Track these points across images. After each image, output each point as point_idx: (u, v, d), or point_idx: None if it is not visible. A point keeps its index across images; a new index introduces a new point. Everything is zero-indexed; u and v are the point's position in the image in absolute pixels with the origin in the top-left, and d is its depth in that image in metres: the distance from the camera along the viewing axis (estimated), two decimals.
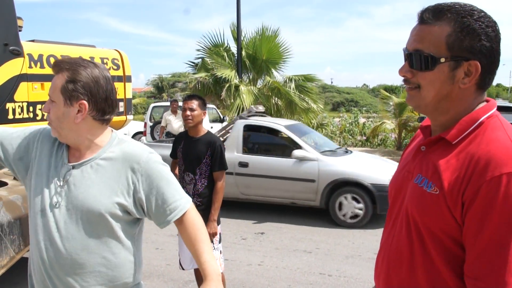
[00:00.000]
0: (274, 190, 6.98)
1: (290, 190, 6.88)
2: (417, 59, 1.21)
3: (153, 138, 12.74)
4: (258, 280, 4.64)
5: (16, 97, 4.01)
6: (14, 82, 3.97)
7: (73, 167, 1.58)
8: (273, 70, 11.95)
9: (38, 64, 4.25)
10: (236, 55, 11.81)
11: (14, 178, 4.04)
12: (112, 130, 1.69)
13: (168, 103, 12.36)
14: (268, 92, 11.45)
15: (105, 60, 5.10)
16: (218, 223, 3.68)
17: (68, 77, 1.53)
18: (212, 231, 3.54)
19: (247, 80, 12.07)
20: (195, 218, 1.67)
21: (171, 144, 4.03)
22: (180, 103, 10.82)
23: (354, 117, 18.51)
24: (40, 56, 4.30)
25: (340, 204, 6.62)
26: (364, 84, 75.18)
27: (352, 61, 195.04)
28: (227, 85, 10.88)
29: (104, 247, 1.56)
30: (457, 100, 1.22)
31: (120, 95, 5.29)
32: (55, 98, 1.54)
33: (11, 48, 3.90)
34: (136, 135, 14.97)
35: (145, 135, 13.83)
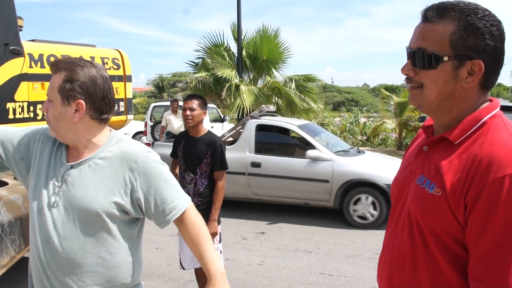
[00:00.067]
0: (287, 190, 6.91)
1: (304, 190, 6.82)
2: (420, 58, 1.20)
3: (153, 137, 12.73)
4: (259, 280, 4.63)
5: (17, 96, 4.01)
6: (15, 82, 3.97)
7: (72, 167, 1.58)
8: (274, 70, 11.94)
9: (39, 63, 4.25)
10: (236, 54, 11.80)
11: (15, 178, 4.04)
12: (110, 130, 1.69)
13: (168, 103, 12.35)
14: (268, 91, 11.44)
15: (105, 60, 5.10)
16: (218, 222, 3.68)
17: (66, 77, 1.53)
18: (212, 231, 3.54)
19: (248, 79, 12.06)
20: (195, 217, 1.66)
21: None
22: (181, 103, 10.83)
23: (354, 116, 18.50)
24: (41, 55, 4.30)
25: (354, 205, 6.56)
26: (365, 84, 75.14)
27: (353, 60, 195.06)
28: (228, 84, 10.87)
29: (101, 247, 1.56)
30: (460, 99, 1.20)
31: (120, 95, 5.29)
32: (53, 98, 1.55)
33: (11, 47, 3.89)
34: (137, 135, 14.98)
35: (145, 134, 13.84)
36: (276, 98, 11.43)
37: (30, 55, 4.18)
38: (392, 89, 41.76)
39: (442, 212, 1.15)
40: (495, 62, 1.18)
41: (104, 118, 1.62)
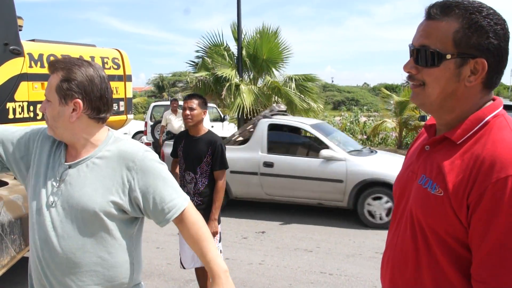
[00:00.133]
0: (301, 190, 6.84)
1: (317, 190, 6.76)
2: (422, 55, 1.18)
3: (153, 137, 12.73)
4: (259, 279, 4.64)
5: (17, 96, 4.01)
6: (15, 82, 3.97)
7: (70, 166, 1.59)
8: (274, 69, 11.92)
9: (39, 63, 4.25)
10: (236, 54, 11.79)
11: (15, 178, 4.04)
12: (108, 129, 1.69)
13: (168, 103, 12.35)
14: (268, 91, 11.43)
15: (105, 60, 5.10)
16: (219, 222, 3.68)
17: (63, 76, 1.54)
18: (213, 230, 3.54)
19: (248, 79, 12.06)
20: (195, 216, 1.66)
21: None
22: (181, 102, 10.83)
23: (354, 116, 18.51)
24: (41, 55, 4.30)
25: (369, 205, 6.52)
26: (365, 83, 75.08)
27: (353, 60, 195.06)
28: (228, 84, 10.86)
29: (100, 247, 1.56)
30: (463, 98, 1.19)
31: (120, 95, 5.29)
32: (51, 98, 1.56)
33: (11, 47, 3.90)
34: (137, 135, 14.98)
35: (145, 134, 13.84)
36: (276, 97, 11.41)
37: (30, 55, 4.18)
38: (392, 88, 41.73)
39: (444, 213, 1.14)
40: (499, 62, 1.16)
41: (102, 117, 1.62)
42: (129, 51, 5.64)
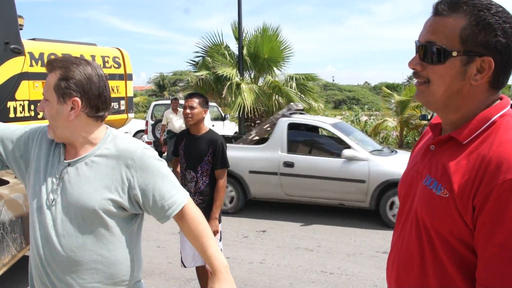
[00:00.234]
0: (322, 191, 6.74)
1: (339, 191, 6.66)
2: (428, 51, 1.16)
3: (154, 136, 12.74)
4: (260, 278, 4.64)
5: (17, 95, 4.01)
6: (15, 81, 3.98)
7: (69, 165, 1.59)
8: (275, 68, 11.91)
9: (39, 62, 4.25)
10: (236, 53, 11.79)
11: (16, 177, 4.05)
12: (107, 127, 1.69)
13: (169, 102, 12.34)
14: (269, 90, 11.43)
15: (106, 58, 5.10)
16: (219, 221, 3.68)
17: (61, 75, 1.54)
18: (213, 229, 3.54)
19: (249, 78, 12.05)
20: (195, 212, 1.67)
21: None
22: (182, 101, 10.81)
23: (355, 115, 18.51)
24: (41, 54, 4.30)
25: (392, 205, 6.41)
26: (366, 82, 75.08)
27: (354, 59, 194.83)
28: (228, 83, 10.86)
29: (100, 244, 1.56)
30: (468, 97, 1.16)
31: (121, 94, 5.29)
32: (49, 97, 1.56)
33: (12, 46, 3.90)
34: (138, 134, 14.98)
35: (146, 133, 13.84)
36: (277, 96, 11.41)
37: (31, 54, 4.18)
38: (393, 87, 41.76)
39: (449, 214, 1.11)
40: (506, 61, 1.13)
41: (101, 116, 1.62)
42: (130, 50, 5.65)
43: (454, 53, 1.13)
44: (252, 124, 11.68)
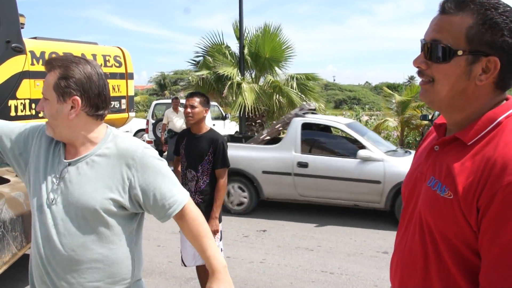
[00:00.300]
0: (336, 191, 6.67)
1: (354, 191, 6.60)
2: (433, 50, 1.14)
3: (155, 135, 12.75)
4: (260, 278, 4.64)
5: (18, 94, 4.02)
6: (16, 79, 3.98)
7: (69, 164, 1.59)
8: (277, 68, 11.91)
9: (40, 61, 4.26)
10: (237, 53, 11.79)
11: (17, 175, 4.05)
12: (107, 126, 1.69)
13: (170, 101, 12.34)
14: (270, 90, 11.43)
15: (107, 57, 5.10)
16: (220, 220, 3.68)
17: (61, 74, 1.54)
18: (213, 229, 3.54)
19: (250, 78, 12.05)
20: (195, 212, 1.68)
21: None
22: (183, 101, 10.81)
23: (356, 115, 18.49)
24: (42, 53, 4.31)
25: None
26: (367, 82, 75.17)
27: (355, 58, 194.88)
28: (229, 82, 10.86)
29: (100, 243, 1.57)
30: (473, 97, 1.14)
31: (122, 93, 5.30)
32: (48, 96, 1.55)
33: (13, 45, 3.90)
34: (138, 133, 14.99)
35: (147, 132, 13.84)
36: (278, 96, 11.41)
37: (32, 53, 4.19)
38: (394, 87, 41.79)
39: (453, 216, 1.10)
40: None
41: (100, 114, 1.62)
42: (131, 49, 5.64)
43: (460, 52, 1.11)
44: (253, 124, 11.68)
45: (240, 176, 7.14)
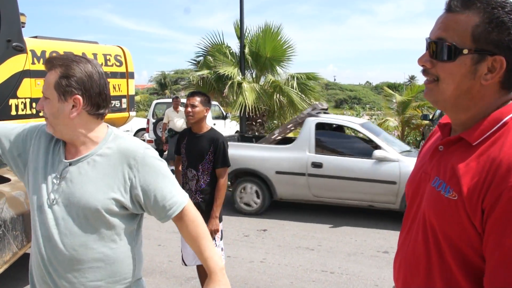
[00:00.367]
0: (351, 192, 6.61)
1: (369, 192, 6.53)
2: (439, 48, 1.13)
3: (155, 135, 12.75)
4: (260, 277, 4.64)
5: (19, 93, 4.02)
6: (17, 78, 3.98)
7: (70, 164, 1.59)
8: (278, 67, 11.90)
9: (41, 60, 4.26)
10: (238, 52, 11.78)
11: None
12: (107, 126, 1.69)
13: (170, 100, 12.35)
14: (270, 89, 11.42)
15: (108, 57, 5.09)
16: (220, 220, 3.68)
17: (62, 73, 1.53)
18: (213, 228, 3.54)
19: (250, 77, 12.05)
20: (194, 214, 1.68)
21: None
22: (183, 100, 10.80)
23: (357, 114, 18.49)
24: (43, 52, 4.30)
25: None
26: (367, 82, 75.18)
27: (355, 58, 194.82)
28: (230, 82, 10.85)
29: (102, 243, 1.57)
30: (478, 97, 1.13)
31: (123, 92, 5.29)
32: (49, 95, 1.55)
33: (14, 44, 3.90)
34: (139, 132, 14.99)
35: (147, 131, 13.84)
36: (278, 95, 11.40)
37: (33, 52, 4.18)
38: (394, 87, 41.79)
39: (458, 217, 1.08)
40: None
41: (101, 113, 1.62)
42: (132, 49, 5.64)
43: (465, 51, 1.10)
44: (253, 123, 11.68)
45: (253, 176, 7.11)
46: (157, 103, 15.00)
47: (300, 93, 11.29)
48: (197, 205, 3.57)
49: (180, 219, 1.66)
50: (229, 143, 7.46)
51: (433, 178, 1.19)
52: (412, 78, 63.28)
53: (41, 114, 4.12)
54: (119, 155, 1.59)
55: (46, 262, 1.56)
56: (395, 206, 6.50)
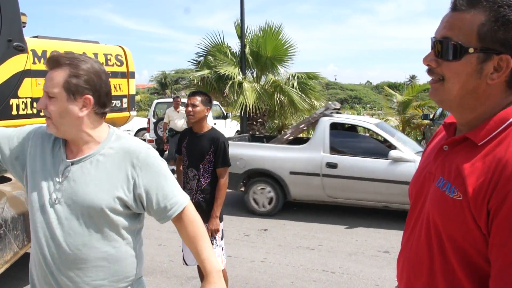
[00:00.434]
0: (366, 193, 6.54)
1: (385, 193, 6.47)
2: (444, 47, 1.11)
3: (156, 134, 12.76)
4: (261, 277, 4.64)
5: (20, 93, 4.01)
6: (18, 78, 3.98)
7: (72, 163, 1.59)
8: (279, 67, 11.90)
9: (42, 60, 4.25)
10: (238, 52, 11.78)
11: None
12: (109, 126, 1.70)
13: (171, 100, 12.35)
14: (271, 89, 11.42)
15: (108, 56, 5.10)
16: (221, 220, 3.68)
17: (71, 72, 1.52)
18: (214, 228, 3.54)
19: (251, 77, 12.05)
20: (194, 215, 1.69)
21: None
22: (184, 100, 10.80)
23: (357, 113, 18.48)
24: (44, 52, 4.30)
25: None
26: (368, 81, 75.13)
27: (356, 58, 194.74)
28: (231, 82, 10.85)
29: (105, 242, 1.57)
30: (484, 97, 1.11)
31: (123, 91, 5.29)
32: (56, 94, 1.53)
33: (15, 44, 3.90)
34: (140, 132, 14.99)
35: (148, 131, 13.85)
36: (279, 95, 11.40)
37: (34, 52, 4.18)
38: (395, 86, 41.77)
39: (462, 218, 1.07)
40: None
41: (105, 112, 1.64)
42: (132, 48, 5.64)
43: (471, 50, 1.08)
44: (254, 123, 11.69)
45: (267, 176, 7.04)
46: (157, 103, 15.00)
47: (300, 93, 11.29)
48: (198, 204, 3.57)
49: (179, 219, 1.67)
50: (240, 143, 7.48)
51: (438, 178, 1.18)
52: (412, 77, 63.33)
53: (42, 114, 4.13)
54: (122, 154, 1.60)
55: (49, 262, 1.56)
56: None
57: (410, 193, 1.34)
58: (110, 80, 1.66)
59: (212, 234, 3.54)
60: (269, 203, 7.05)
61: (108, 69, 4.99)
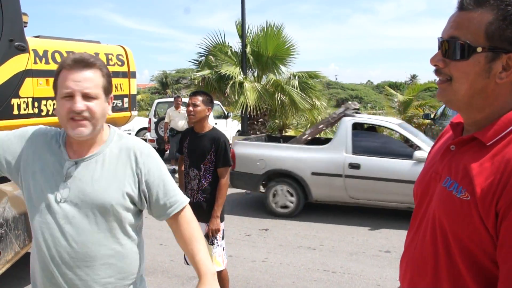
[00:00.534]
0: (390, 194, 6.43)
1: (409, 194, 6.39)
2: (451, 47, 1.10)
3: (157, 134, 12.76)
4: (262, 277, 4.64)
5: (21, 92, 4.01)
6: (19, 78, 3.98)
7: (76, 163, 1.59)
8: (281, 66, 11.89)
9: (43, 60, 4.25)
10: (239, 52, 11.77)
11: None
12: (109, 126, 1.72)
13: (172, 99, 12.35)
14: (271, 89, 11.42)
15: (109, 56, 5.10)
16: (222, 219, 3.68)
17: (106, 74, 1.59)
18: (214, 228, 3.54)
19: (252, 77, 12.04)
20: (191, 216, 1.72)
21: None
22: (184, 99, 10.79)
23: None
24: (45, 52, 4.30)
25: None
26: (369, 81, 75.05)
27: (356, 57, 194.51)
28: (231, 82, 10.85)
29: (113, 239, 1.60)
30: (493, 96, 1.10)
31: (124, 91, 5.29)
32: (97, 95, 1.55)
33: (16, 43, 3.90)
34: (141, 131, 14.99)
35: (149, 131, 13.84)
36: (280, 94, 11.40)
37: (35, 51, 4.18)
38: (396, 86, 41.77)
39: (470, 218, 1.05)
40: None
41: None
42: (133, 48, 5.63)
43: (479, 49, 1.07)
44: (255, 123, 11.68)
45: (287, 177, 6.98)
46: (158, 103, 15.00)
47: (301, 92, 11.28)
48: (199, 204, 3.57)
49: (176, 220, 1.69)
50: (260, 143, 7.43)
51: (444, 178, 1.16)
52: (413, 77, 63.25)
53: (43, 113, 4.14)
54: (126, 153, 1.64)
55: (57, 262, 1.55)
56: None
57: (415, 193, 1.32)
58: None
59: (213, 234, 3.54)
60: (290, 204, 6.97)
61: (109, 69, 4.97)
